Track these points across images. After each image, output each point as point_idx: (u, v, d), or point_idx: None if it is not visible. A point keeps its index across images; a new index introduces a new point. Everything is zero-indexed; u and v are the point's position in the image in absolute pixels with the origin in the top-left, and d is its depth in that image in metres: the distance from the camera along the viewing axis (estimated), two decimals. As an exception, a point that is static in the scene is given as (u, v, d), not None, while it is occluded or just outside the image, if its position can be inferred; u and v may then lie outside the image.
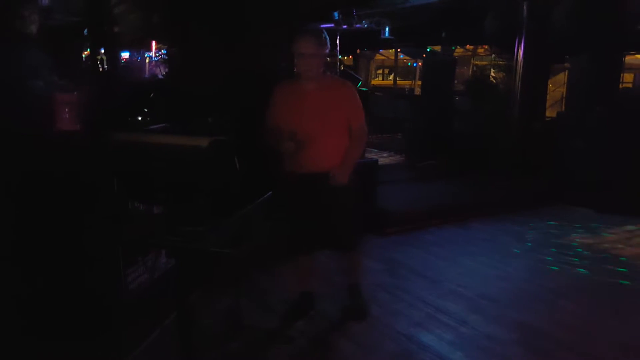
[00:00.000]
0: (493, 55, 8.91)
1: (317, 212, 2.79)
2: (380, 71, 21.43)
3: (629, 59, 10.77)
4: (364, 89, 7.82)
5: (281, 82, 2.88)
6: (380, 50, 16.70)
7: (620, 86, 7.95)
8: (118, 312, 2.42)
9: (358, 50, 15.16)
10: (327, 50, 2.72)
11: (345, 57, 15.98)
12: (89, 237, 2.06)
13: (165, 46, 5.33)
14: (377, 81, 19.78)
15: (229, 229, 1.65)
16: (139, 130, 2.82)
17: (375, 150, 8.50)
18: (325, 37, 2.71)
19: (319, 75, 2.73)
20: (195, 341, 1.95)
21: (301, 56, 2.67)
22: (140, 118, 3.25)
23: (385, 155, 8.52)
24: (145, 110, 3.30)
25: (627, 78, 10.29)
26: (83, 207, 1.99)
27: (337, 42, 6.96)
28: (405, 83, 17.76)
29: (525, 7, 6.59)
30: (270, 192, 1.94)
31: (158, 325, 2.76)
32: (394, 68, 17.73)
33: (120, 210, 1.78)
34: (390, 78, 18.87)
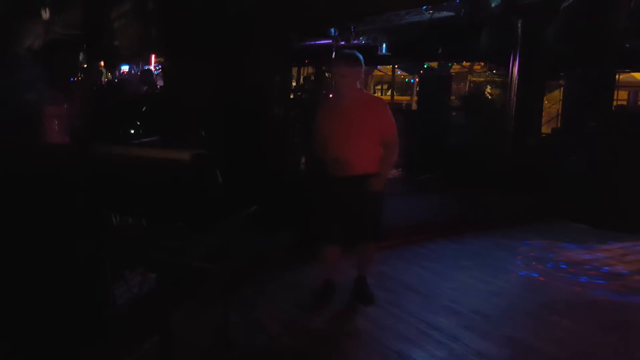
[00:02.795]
0: (488, 72, 9.00)
1: (352, 209, 3.20)
2: (379, 87, 21.58)
3: (623, 77, 10.90)
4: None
5: (327, 99, 3.47)
6: (379, 67, 16.83)
7: (615, 103, 8.02)
8: (105, 328, 2.39)
9: (356, 66, 15.27)
10: (359, 71, 3.17)
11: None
12: (74, 250, 2.05)
13: (162, 60, 5.39)
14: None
15: (210, 243, 1.65)
16: (126, 143, 2.83)
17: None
18: (355, 60, 3.15)
19: (354, 92, 3.18)
20: (179, 356, 1.93)
21: (335, 77, 3.23)
22: (132, 131, 3.27)
23: (381, 169, 8.54)
24: (138, 122, 3.31)
25: (622, 95, 10.39)
26: (65, 221, 1.98)
27: (333, 57, 7.04)
28: (403, 99, 17.87)
29: (519, 25, 6.69)
30: (254, 207, 1.94)
31: (146, 340, 2.73)
32: (392, 84, 17.84)
33: (104, 224, 1.77)
34: (389, 94, 18.99)
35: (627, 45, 6.34)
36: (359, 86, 3.25)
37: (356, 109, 3.17)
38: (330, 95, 3.48)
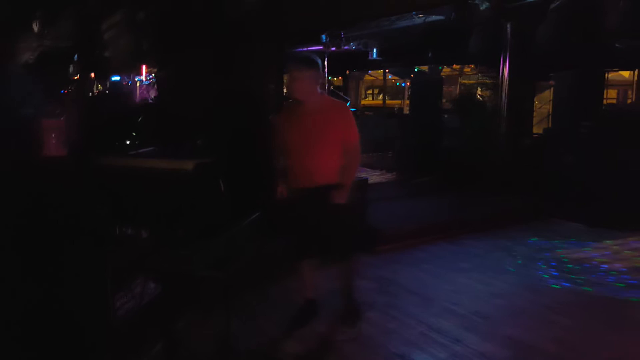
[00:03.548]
0: (479, 74, 9.08)
1: (315, 224, 2.98)
2: (370, 91, 21.67)
3: (612, 75, 11.03)
4: (353, 109, 7.91)
5: (284, 105, 3.17)
6: (370, 71, 16.93)
7: (605, 102, 8.11)
8: (106, 339, 2.37)
9: (347, 71, 15.37)
10: (314, 75, 2.93)
11: (335, 78, 16.20)
12: (75, 262, 2.04)
13: (155, 70, 5.38)
14: (368, 101, 19.97)
15: (214, 252, 1.64)
16: (126, 154, 2.82)
17: (367, 169, 8.54)
18: (308, 62, 2.93)
19: (312, 97, 2.95)
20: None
21: (289, 81, 2.99)
22: (128, 142, 3.25)
23: (377, 173, 8.56)
24: (134, 134, 3.30)
25: (611, 94, 10.51)
26: (68, 232, 1.97)
27: (325, 63, 7.08)
28: (394, 103, 17.96)
29: (509, 27, 6.76)
30: (257, 214, 1.94)
31: (148, 351, 2.71)
32: (383, 88, 17.94)
33: (106, 234, 1.76)
34: (380, 98, 19.08)
35: (617, 45, 6.42)
36: (319, 91, 2.99)
37: (316, 115, 2.92)
38: (289, 101, 3.16)
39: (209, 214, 1.60)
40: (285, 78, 3.60)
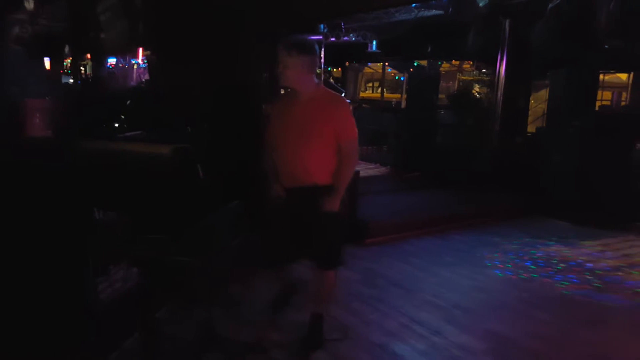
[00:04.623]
0: (477, 71, 9.08)
1: (299, 227, 2.73)
2: (370, 84, 21.63)
3: (609, 77, 11.06)
4: (347, 101, 7.92)
5: (281, 94, 2.86)
6: (369, 64, 16.88)
7: (599, 103, 8.14)
8: (87, 323, 2.39)
9: (347, 63, 15.33)
10: (308, 61, 2.58)
11: (335, 70, 16.15)
12: (55, 245, 2.04)
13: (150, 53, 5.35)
14: (367, 94, 19.94)
15: (192, 239, 1.66)
16: (110, 137, 2.81)
17: (362, 162, 8.56)
18: (300, 47, 2.57)
19: (306, 87, 2.63)
20: (160, 353, 1.94)
21: (279, 68, 2.61)
22: (117, 125, 3.26)
23: (371, 166, 8.60)
24: (123, 117, 3.31)
25: (607, 96, 10.54)
26: (48, 214, 1.97)
27: (322, 53, 7.06)
28: (393, 96, 17.92)
29: (506, 24, 6.76)
30: (236, 201, 1.95)
31: (129, 336, 2.73)
32: (382, 81, 17.91)
33: (86, 218, 1.77)
34: (379, 91, 19.04)
35: (612, 47, 6.44)
36: (315, 80, 2.66)
37: (308, 107, 2.61)
38: (287, 90, 2.83)
39: (188, 200, 1.61)
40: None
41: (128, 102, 3.47)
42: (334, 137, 2.61)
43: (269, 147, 2.81)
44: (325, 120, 2.60)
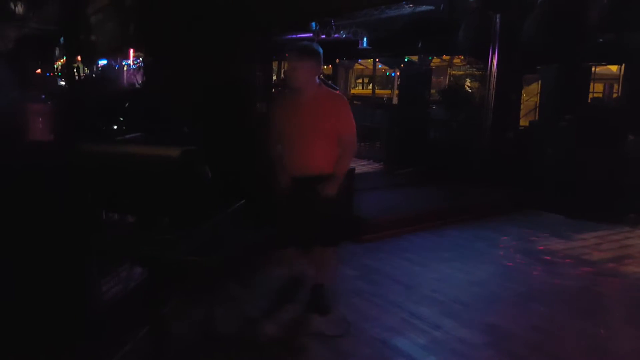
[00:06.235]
0: (468, 65, 9.11)
1: (305, 210, 3.02)
2: (360, 80, 21.65)
3: (600, 69, 11.12)
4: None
5: (282, 94, 3.20)
6: (360, 60, 16.88)
7: (591, 96, 8.21)
8: (92, 323, 2.39)
9: (337, 60, 15.31)
10: (313, 65, 2.93)
11: (325, 67, 16.14)
12: (60, 247, 2.04)
13: (142, 54, 5.32)
14: (357, 90, 19.96)
15: (199, 238, 1.67)
16: (112, 140, 2.81)
17: (355, 159, 8.56)
18: (309, 52, 2.94)
19: (310, 87, 2.95)
20: (169, 351, 1.95)
21: (288, 70, 3.00)
22: (115, 127, 3.25)
23: (364, 163, 8.62)
24: (121, 119, 3.29)
25: (598, 88, 10.62)
26: (53, 218, 1.97)
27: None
28: (384, 92, 17.96)
29: (497, 19, 6.80)
30: (242, 201, 1.96)
31: (133, 335, 2.74)
32: (373, 77, 17.93)
33: (92, 220, 1.77)
34: (370, 88, 19.07)
35: (603, 40, 6.51)
36: (317, 81, 3.00)
37: (312, 106, 2.94)
38: (286, 91, 3.17)
39: (195, 201, 1.62)
40: (275, 65, 3.60)
41: (126, 104, 3.45)
42: (335, 132, 2.97)
43: (274, 142, 3.13)
44: (329, 117, 2.95)
